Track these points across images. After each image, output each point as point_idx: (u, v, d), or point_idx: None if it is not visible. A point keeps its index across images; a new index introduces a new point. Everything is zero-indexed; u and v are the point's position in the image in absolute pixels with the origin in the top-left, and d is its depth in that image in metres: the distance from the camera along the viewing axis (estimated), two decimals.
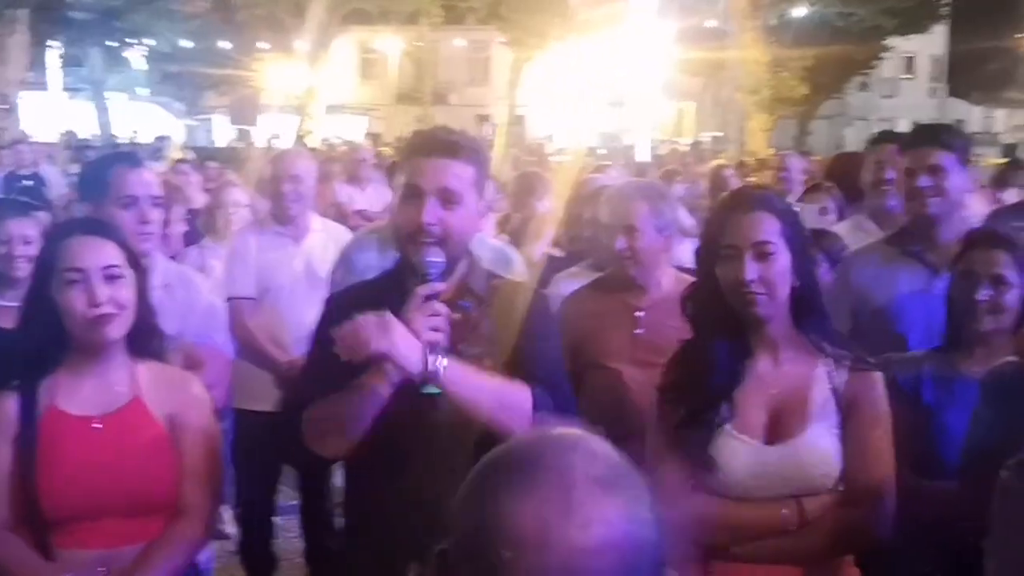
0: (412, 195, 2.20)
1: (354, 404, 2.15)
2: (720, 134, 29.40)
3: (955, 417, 2.54)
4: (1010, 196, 8.08)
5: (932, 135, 3.27)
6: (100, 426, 2.29)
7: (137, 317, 2.32)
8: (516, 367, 2.24)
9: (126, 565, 2.28)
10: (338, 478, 3.83)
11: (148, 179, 3.11)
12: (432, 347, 2.10)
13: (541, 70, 33.52)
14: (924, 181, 3.12)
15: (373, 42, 40.23)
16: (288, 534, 4.90)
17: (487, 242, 3.81)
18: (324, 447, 2.26)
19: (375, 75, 42.84)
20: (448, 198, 2.18)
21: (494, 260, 3.43)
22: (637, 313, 3.20)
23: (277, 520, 4.68)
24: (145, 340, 2.38)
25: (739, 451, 2.24)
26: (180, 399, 2.37)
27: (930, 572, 2.53)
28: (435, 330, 2.11)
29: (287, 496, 4.77)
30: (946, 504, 2.39)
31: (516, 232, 5.41)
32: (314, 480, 4.43)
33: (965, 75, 40.09)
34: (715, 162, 9.19)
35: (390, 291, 2.22)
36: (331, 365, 2.14)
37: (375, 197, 7.87)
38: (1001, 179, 8.71)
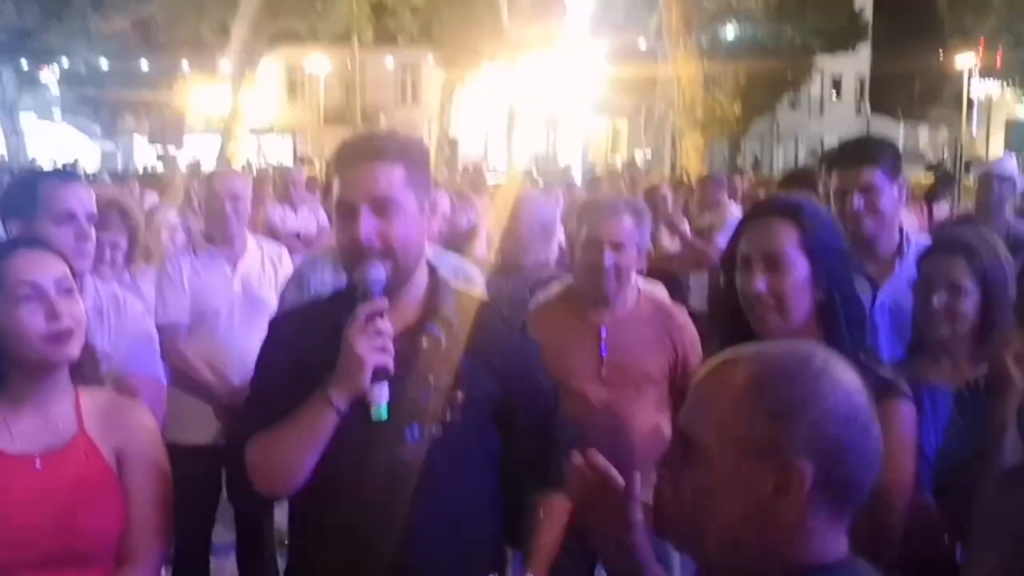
0: (345, 211, 2.04)
1: (298, 437, 2.03)
2: (650, 156, 29.39)
3: (925, 427, 2.47)
4: (940, 209, 8.42)
5: (861, 152, 3.20)
6: (41, 465, 2.12)
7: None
8: (493, 404, 2.12)
9: None
10: (278, 514, 3.74)
11: (84, 195, 2.99)
12: (378, 374, 1.97)
13: (473, 91, 33.22)
14: (858, 203, 3.07)
15: (300, 62, 39.60)
16: (224, 574, 4.64)
17: (448, 258, 3.65)
18: (270, 486, 2.11)
19: (302, 96, 42.31)
20: (382, 206, 2.02)
21: (454, 276, 3.27)
22: (601, 331, 3.17)
23: (212, 561, 4.41)
24: (87, 366, 2.25)
25: None
26: (127, 431, 2.22)
27: None
28: (379, 350, 1.97)
29: (221, 535, 4.49)
30: (917, 515, 2.30)
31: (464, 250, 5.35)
32: (252, 517, 4.25)
33: (889, 93, 41.07)
34: (651, 184, 9.11)
35: (338, 313, 2.05)
36: (277, 394, 2.07)
37: (309, 218, 7.99)
38: (932, 193, 9.28)
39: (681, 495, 1.30)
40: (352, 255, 2.04)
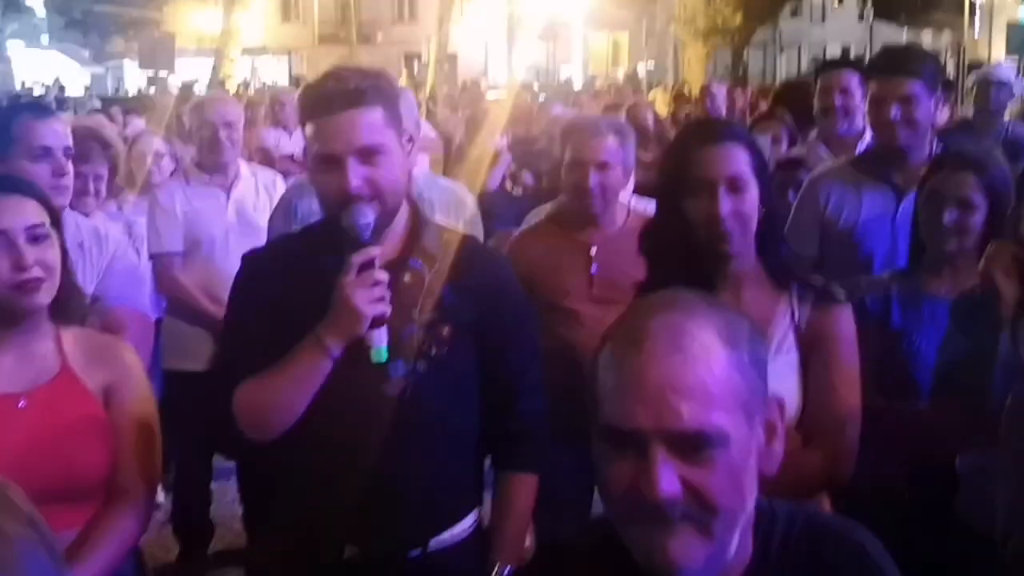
0: (329, 162, 1.99)
1: (292, 383, 2.01)
2: (654, 65, 28.97)
3: (924, 338, 2.56)
4: (942, 115, 8.26)
5: (901, 63, 3.20)
6: (25, 403, 2.10)
7: (61, 280, 2.16)
8: (480, 340, 2.11)
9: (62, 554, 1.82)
10: None
11: (60, 129, 2.97)
12: (376, 320, 1.95)
13: (472, 5, 32.66)
14: (895, 113, 3.09)
15: None
16: (225, 499, 4.61)
17: (439, 182, 3.63)
18: (261, 432, 2.09)
19: (296, 15, 41.58)
20: (368, 153, 1.97)
21: (447, 201, 3.32)
22: (591, 250, 3.17)
23: (213, 486, 4.47)
24: (68, 304, 2.21)
25: None
26: (113, 368, 2.19)
27: (900, 494, 2.48)
28: (377, 301, 1.95)
29: (222, 459, 4.52)
30: (917, 425, 2.38)
31: (468, 172, 5.43)
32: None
33: None
34: (631, 102, 8.94)
35: (317, 250, 2.04)
36: (254, 332, 2.05)
37: (303, 141, 7.46)
38: (940, 102, 9.07)
39: (708, 504, 1.14)
40: (338, 203, 1.99)
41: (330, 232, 2.04)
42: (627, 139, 3.27)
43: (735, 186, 2.14)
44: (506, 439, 2.23)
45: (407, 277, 2.07)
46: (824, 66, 4.45)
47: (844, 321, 2.20)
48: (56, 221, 2.18)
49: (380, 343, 1.99)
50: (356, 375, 2.00)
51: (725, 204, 2.12)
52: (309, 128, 2.01)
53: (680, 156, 2.22)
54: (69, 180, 2.93)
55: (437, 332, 2.07)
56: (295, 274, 2.05)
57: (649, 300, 1.26)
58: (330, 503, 2.07)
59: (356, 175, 1.96)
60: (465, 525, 2.19)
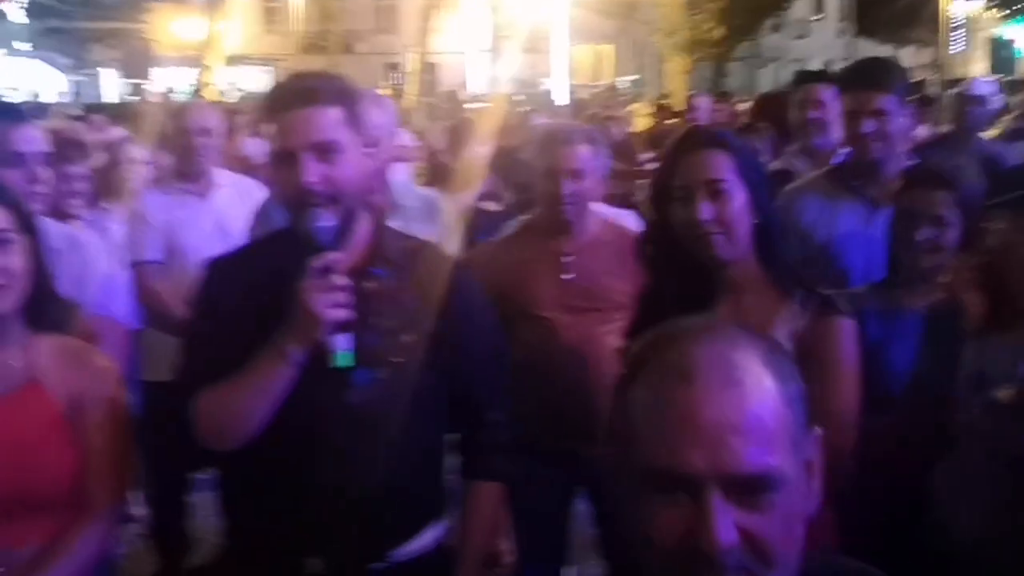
0: (285, 158, 2.00)
1: (254, 390, 1.99)
2: (638, 77, 29.04)
3: (899, 351, 2.58)
4: (921, 130, 8.34)
5: (873, 76, 3.24)
6: None
7: (35, 285, 2.12)
8: (442, 350, 2.10)
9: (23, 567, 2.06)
10: None
11: (35, 135, 2.96)
12: (338, 326, 1.94)
13: (453, 16, 32.60)
14: (867, 126, 3.13)
15: None
16: (204, 511, 4.48)
17: (416, 191, 3.65)
18: (222, 441, 2.07)
19: (279, 24, 41.40)
20: (325, 150, 1.98)
21: (422, 210, 3.32)
22: (565, 258, 3.17)
23: (191, 498, 4.42)
24: (44, 311, 2.17)
25: None
26: (85, 376, 2.17)
27: (874, 506, 2.50)
28: (338, 305, 1.93)
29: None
30: (890, 438, 2.39)
31: (447, 182, 5.46)
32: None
33: (872, 14, 40.53)
34: (593, 111, 8.97)
35: (281, 256, 2.02)
36: (216, 339, 2.03)
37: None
38: (913, 116, 9.09)
39: (766, 554, 1.05)
40: (297, 202, 2.00)
41: (294, 237, 2.04)
42: (600, 147, 3.31)
43: (714, 191, 2.16)
44: (471, 448, 2.25)
45: (369, 284, 2.07)
46: (800, 79, 4.51)
47: (846, 333, 2.21)
48: (28, 227, 2.15)
49: (342, 348, 1.98)
50: (318, 383, 1.99)
51: (705, 209, 2.15)
52: (268, 128, 2.04)
53: (666, 164, 2.27)
54: (43, 187, 2.91)
55: (399, 340, 2.07)
56: (259, 280, 2.05)
57: (682, 328, 1.13)
58: (291, 514, 2.06)
59: (312, 171, 1.96)
60: (429, 536, 2.17)
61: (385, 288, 2.09)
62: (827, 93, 3.98)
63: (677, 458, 1.03)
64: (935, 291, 2.64)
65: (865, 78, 3.26)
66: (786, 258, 2.28)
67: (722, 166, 2.17)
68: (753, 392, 1.04)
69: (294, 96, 2.03)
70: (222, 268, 2.21)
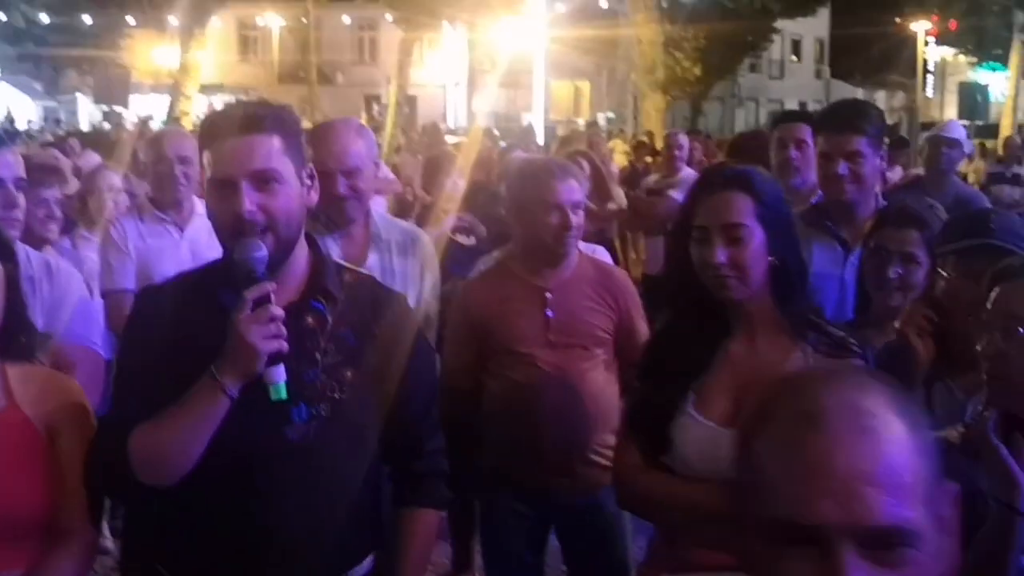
0: (223, 186, 1.96)
1: (188, 424, 1.94)
2: (612, 115, 29.29)
3: None
4: (895, 173, 8.45)
5: (847, 119, 3.25)
6: None
7: (6, 313, 2.09)
8: (381, 383, 2.08)
9: None
10: None
11: (11, 160, 2.90)
12: (273, 358, 1.91)
13: (433, 49, 32.82)
14: (841, 168, 3.15)
15: (253, 19, 38.78)
16: None
17: (397, 224, 3.60)
18: (156, 475, 1.99)
19: (255, 53, 41.52)
20: (263, 179, 1.95)
21: (403, 243, 3.29)
22: (547, 294, 3.15)
23: None
24: (17, 339, 2.15)
25: (696, 432, 2.18)
26: (59, 405, 2.13)
27: None
28: (273, 337, 1.90)
29: None
30: None
31: (420, 215, 5.56)
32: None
33: (847, 58, 41.20)
34: (573, 148, 9.04)
35: (214, 286, 2.01)
36: (149, 372, 1.98)
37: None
38: (887, 158, 9.25)
39: None
40: (232, 231, 1.96)
41: (227, 268, 2.00)
42: (583, 181, 3.35)
43: (732, 235, 2.16)
44: (408, 477, 2.23)
45: (309, 319, 2.03)
46: (781, 119, 4.51)
47: None
48: (4, 254, 2.12)
49: (278, 380, 1.94)
50: (256, 418, 1.95)
51: (720, 252, 2.16)
52: (206, 156, 2.00)
53: (689, 202, 2.28)
54: (20, 212, 2.88)
55: (340, 375, 2.04)
56: (192, 311, 2.01)
57: (810, 374, 1.14)
58: (226, 551, 2.01)
59: (249, 200, 1.93)
60: (364, 568, 2.14)
61: (324, 322, 2.05)
62: (808, 133, 3.98)
63: (807, 509, 0.97)
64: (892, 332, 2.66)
65: (839, 120, 3.28)
66: (802, 299, 2.27)
67: (741, 210, 2.17)
68: (886, 440, 0.99)
69: (233, 123, 1.99)
70: (154, 297, 2.17)
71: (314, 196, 2.09)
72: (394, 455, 2.19)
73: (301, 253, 2.08)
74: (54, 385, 2.20)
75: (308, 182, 2.06)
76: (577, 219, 3.16)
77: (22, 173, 2.91)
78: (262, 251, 1.93)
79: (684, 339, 2.26)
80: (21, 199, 2.88)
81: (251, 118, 1.98)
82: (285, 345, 1.92)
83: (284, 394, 1.94)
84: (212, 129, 2.03)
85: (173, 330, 2.01)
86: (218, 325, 1.93)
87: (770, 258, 2.20)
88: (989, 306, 2.02)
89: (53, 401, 2.14)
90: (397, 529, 2.22)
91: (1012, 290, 2.00)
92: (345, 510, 2.06)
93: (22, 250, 2.93)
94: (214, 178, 1.98)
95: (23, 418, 2.09)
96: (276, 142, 1.97)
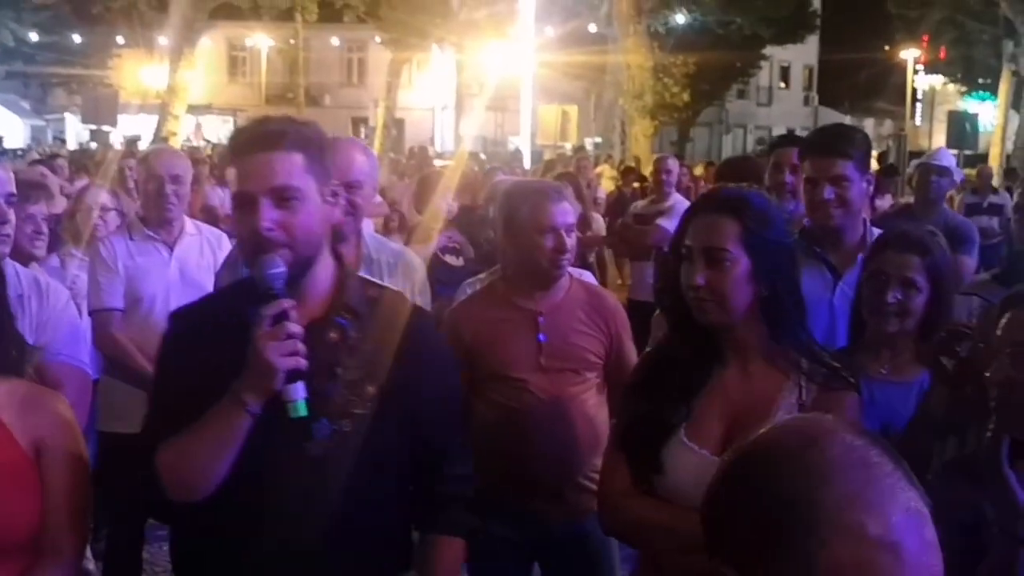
0: (244, 202, 2.00)
1: (212, 441, 1.97)
2: (599, 140, 29.40)
3: (865, 418, 2.51)
4: (884, 201, 8.44)
5: (833, 143, 3.23)
6: None
7: None
8: (404, 400, 2.10)
9: None
10: None
11: (1, 176, 2.88)
12: (292, 375, 1.92)
13: (421, 71, 32.91)
14: (827, 193, 3.13)
15: (242, 40, 38.84)
16: (156, 568, 4.54)
17: (389, 246, 3.58)
18: (185, 491, 2.04)
19: (243, 74, 41.61)
20: (282, 196, 1.97)
21: (397, 265, 3.29)
22: (539, 318, 3.13)
23: (145, 551, 4.36)
24: (4, 352, 2.17)
25: (686, 459, 2.14)
26: (46, 422, 2.10)
27: None
28: (291, 354, 1.91)
29: (154, 524, 4.38)
30: None
31: (408, 235, 5.64)
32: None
33: (836, 85, 41.59)
34: (559, 171, 9.08)
35: (240, 306, 2.00)
36: (179, 391, 2.02)
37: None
38: (877, 186, 9.31)
39: None
40: (253, 247, 1.99)
41: (252, 286, 2.01)
42: (575, 204, 3.34)
43: (712, 258, 2.13)
44: (431, 501, 2.22)
45: (332, 335, 2.05)
46: (776, 143, 4.52)
47: (850, 407, 2.17)
48: None
49: (297, 397, 1.94)
50: (278, 435, 1.96)
51: (700, 275, 2.13)
52: (231, 171, 2.07)
53: (682, 222, 2.26)
54: (10, 228, 2.88)
55: (361, 391, 2.05)
56: (220, 331, 2.02)
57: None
58: (250, 567, 2.02)
59: (268, 216, 1.96)
60: None
61: (347, 338, 2.06)
62: None
63: None
64: (899, 358, 2.63)
65: (824, 145, 3.26)
66: (796, 329, 2.22)
67: (726, 235, 2.13)
68: None
69: (257, 140, 2.02)
70: (185, 319, 2.19)
71: (337, 213, 2.11)
72: (416, 476, 2.19)
73: (325, 269, 2.09)
74: (41, 401, 2.16)
75: (331, 199, 2.07)
76: (571, 241, 3.15)
77: (12, 189, 2.90)
78: (280, 268, 1.95)
79: (677, 361, 2.23)
80: (11, 215, 2.87)
81: (274, 135, 2.00)
82: (303, 362, 1.93)
83: (304, 411, 1.94)
84: (237, 145, 2.06)
85: (203, 349, 2.02)
86: (244, 344, 1.94)
87: (759, 287, 2.15)
88: (999, 332, 1.99)
89: (40, 417, 2.11)
90: (422, 555, 2.22)
91: (1022, 317, 1.97)
92: (369, 528, 2.07)
93: (11, 267, 2.94)
94: (237, 193, 2.02)
95: (9, 433, 2.06)
96: (298, 159, 1.99)
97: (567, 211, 3.16)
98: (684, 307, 2.20)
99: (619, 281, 8.30)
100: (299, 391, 1.94)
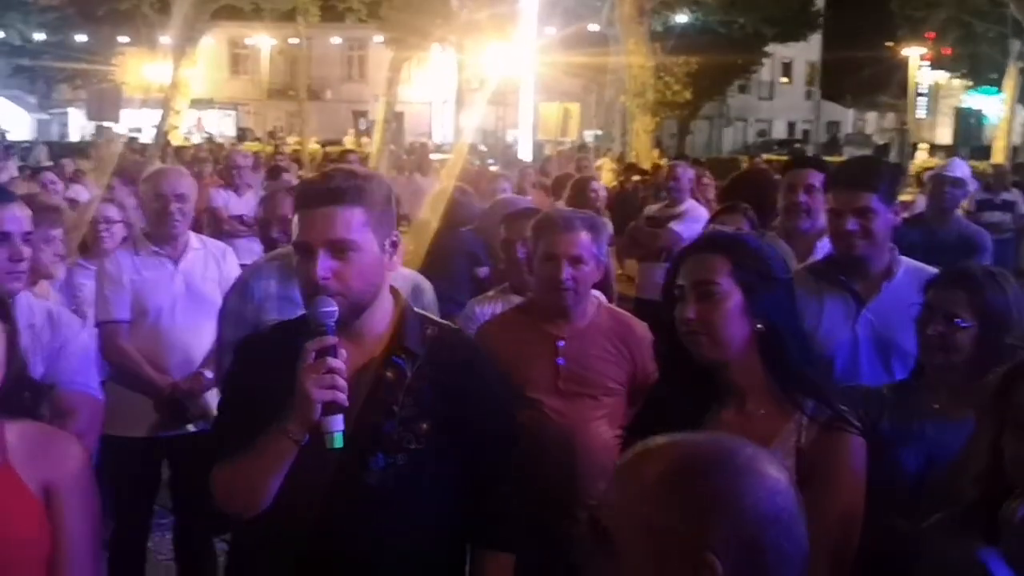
0: (303, 251, 2.13)
1: (259, 466, 2.10)
2: (600, 132, 29.30)
3: (908, 453, 2.55)
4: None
5: (858, 176, 3.22)
6: None
7: (7, 371, 2.06)
8: (460, 435, 2.21)
9: None
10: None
11: (19, 214, 2.92)
12: (330, 407, 2.01)
13: (421, 68, 32.81)
14: (851, 224, 3.13)
15: (244, 38, 38.77)
16: (159, 556, 4.64)
17: (400, 271, 3.53)
18: (236, 509, 2.20)
19: (246, 70, 41.54)
20: (339, 248, 2.10)
21: (407, 289, 3.25)
22: (559, 343, 3.18)
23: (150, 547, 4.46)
24: (17, 396, 2.13)
25: None
26: (57, 467, 2.11)
27: None
28: (329, 387, 2.01)
29: (157, 514, 4.51)
30: (893, 540, 2.28)
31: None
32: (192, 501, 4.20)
33: (838, 80, 41.47)
34: (581, 174, 9.01)
35: (296, 339, 2.11)
36: (236, 415, 2.16)
37: (252, 202, 7.64)
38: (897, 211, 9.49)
39: None
40: (308, 292, 2.11)
41: (306, 322, 2.14)
42: (600, 233, 3.30)
43: (702, 291, 2.15)
44: (481, 518, 2.29)
45: (388, 373, 2.16)
46: (790, 164, 4.51)
47: (854, 452, 2.15)
48: (3, 313, 2.10)
49: (335, 429, 2.01)
50: (336, 463, 2.07)
51: (691, 310, 2.15)
52: (294, 220, 2.16)
53: (673, 265, 2.29)
54: (26, 264, 2.92)
55: (416, 427, 2.15)
56: (281, 360, 2.11)
57: None
58: None
59: (324, 267, 2.07)
60: None
61: (403, 377, 2.17)
62: (817, 178, 3.98)
63: None
64: (955, 395, 2.57)
65: (849, 177, 3.26)
66: (796, 366, 2.20)
67: (715, 269, 2.16)
68: None
69: (318, 194, 2.14)
70: (249, 348, 2.36)
71: (396, 263, 2.23)
72: (467, 496, 2.27)
73: (383, 310, 2.21)
74: (52, 444, 2.15)
75: (391, 250, 2.19)
76: (572, 272, 3.14)
77: (29, 227, 2.93)
78: (331, 307, 2.05)
79: (673, 402, 2.21)
80: (27, 251, 2.89)
81: (335, 191, 2.11)
82: (341, 396, 2.01)
83: (339, 443, 2.02)
84: (301, 197, 2.20)
85: (267, 375, 2.13)
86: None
87: (755, 322, 2.15)
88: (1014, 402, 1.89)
89: (51, 460, 2.11)
90: (472, 570, 2.32)
91: None
92: (427, 554, 2.18)
93: (24, 299, 2.99)
94: (296, 242, 2.14)
95: (18, 477, 2.04)
96: (358, 214, 2.11)
97: (573, 241, 3.16)
98: (681, 349, 2.21)
99: (619, 271, 8.26)
100: (337, 423, 2.01)
